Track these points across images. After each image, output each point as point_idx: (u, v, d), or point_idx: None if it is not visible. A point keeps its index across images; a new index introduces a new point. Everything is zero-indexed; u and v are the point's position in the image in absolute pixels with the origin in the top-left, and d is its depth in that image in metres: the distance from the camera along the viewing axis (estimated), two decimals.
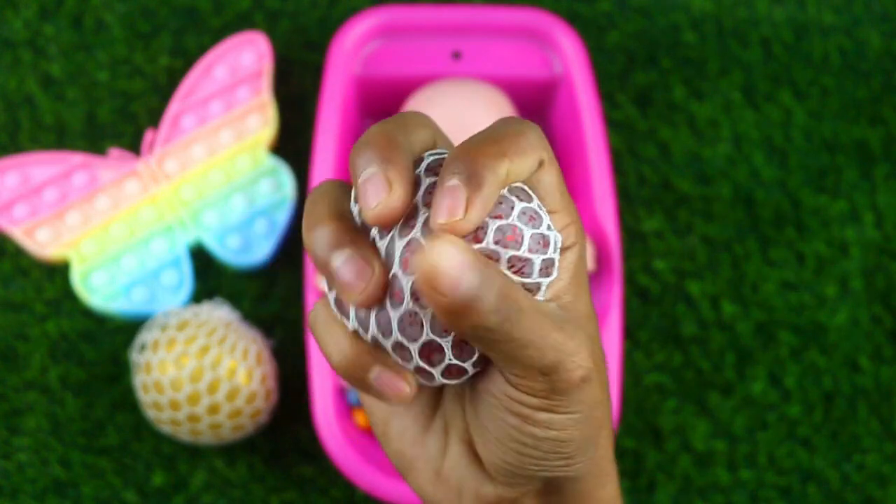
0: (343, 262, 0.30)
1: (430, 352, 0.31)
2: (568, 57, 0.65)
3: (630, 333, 0.66)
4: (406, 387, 0.32)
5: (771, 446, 0.65)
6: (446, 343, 0.31)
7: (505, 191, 0.31)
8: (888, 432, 0.66)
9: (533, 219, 0.31)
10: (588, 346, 0.31)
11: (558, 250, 0.32)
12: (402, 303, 0.30)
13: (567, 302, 0.32)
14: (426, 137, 0.32)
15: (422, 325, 0.31)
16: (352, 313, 0.32)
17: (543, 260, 0.31)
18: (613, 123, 0.70)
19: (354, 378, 0.32)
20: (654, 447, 0.65)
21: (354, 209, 0.32)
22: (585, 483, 0.34)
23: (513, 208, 0.30)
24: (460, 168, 0.29)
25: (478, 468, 0.34)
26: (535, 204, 0.31)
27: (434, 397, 0.35)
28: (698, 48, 0.72)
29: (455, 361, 0.31)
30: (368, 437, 0.62)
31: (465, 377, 0.32)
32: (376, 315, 0.31)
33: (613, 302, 0.61)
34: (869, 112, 0.71)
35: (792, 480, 0.65)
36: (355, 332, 0.32)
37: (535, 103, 0.67)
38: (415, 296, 0.30)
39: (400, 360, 0.31)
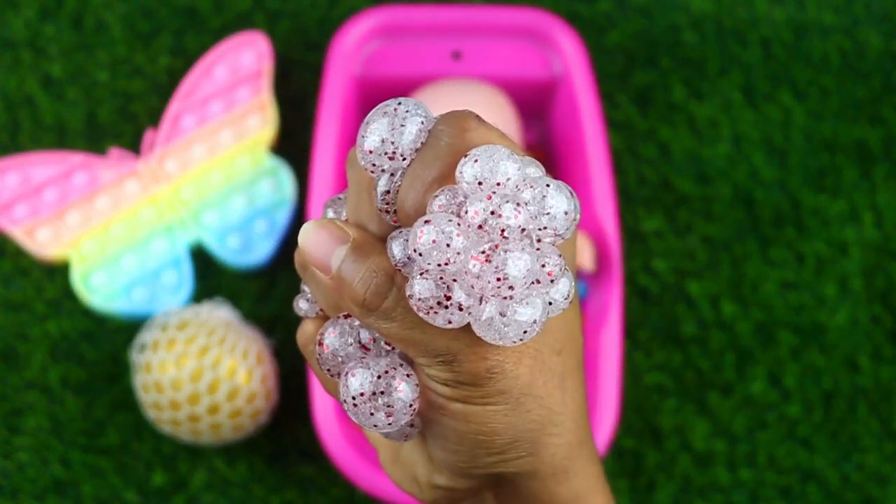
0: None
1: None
2: (568, 57, 0.65)
3: (630, 333, 0.66)
4: None
5: (771, 446, 0.65)
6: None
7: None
8: (888, 432, 0.66)
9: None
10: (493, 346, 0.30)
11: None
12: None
13: None
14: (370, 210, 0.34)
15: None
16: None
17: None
18: (613, 123, 0.70)
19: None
20: (654, 447, 0.65)
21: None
22: (538, 480, 0.33)
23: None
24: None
25: (428, 459, 0.34)
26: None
27: None
28: (698, 48, 0.72)
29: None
30: None
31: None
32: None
33: (613, 302, 0.61)
34: (869, 112, 0.71)
35: (791, 480, 0.65)
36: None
37: (535, 103, 0.67)
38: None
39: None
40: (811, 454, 0.65)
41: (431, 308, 0.28)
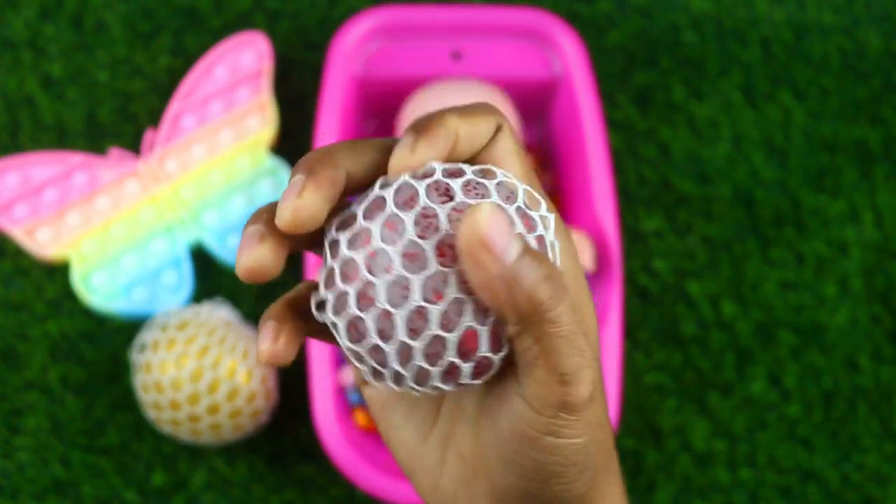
0: None
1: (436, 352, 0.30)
2: (568, 57, 0.65)
3: (630, 333, 0.66)
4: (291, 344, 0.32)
5: (771, 446, 0.66)
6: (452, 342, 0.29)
7: (485, 180, 0.30)
8: (888, 432, 0.66)
9: (510, 197, 0.30)
10: (596, 365, 0.31)
11: (549, 230, 0.31)
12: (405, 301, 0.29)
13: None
14: (371, 159, 0.32)
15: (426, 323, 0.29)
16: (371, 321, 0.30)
17: (536, 238, 0.30)
18: (613, 123, 0.70)
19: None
20: (654, 447, 0.65)
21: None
22: (586, 498, 0.33)
23: (488, 189, 0.30)
24: (411, 128, 0.31)
25: (475, 486, 0.34)
26: (516, 186, 0.30)
27: (431, 410, 0.35)
28: (698, 48, 0.72)
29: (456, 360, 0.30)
30: (368, 437, 0.62)
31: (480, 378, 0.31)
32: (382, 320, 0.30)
33: (613, 302, 0.61)
34: (869, 112, 0.71)
35: (791, 480, 0.65)
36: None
37: (535, 103, 0.67)
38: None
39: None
40: (811, 454, 0.65)
41: None
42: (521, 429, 0.31)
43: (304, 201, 0.29)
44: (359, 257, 0.29)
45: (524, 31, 0.66)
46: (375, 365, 0.30)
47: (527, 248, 0.28)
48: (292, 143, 0.68)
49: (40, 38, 0.70)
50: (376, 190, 0.30)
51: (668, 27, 0.72)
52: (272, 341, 0.31)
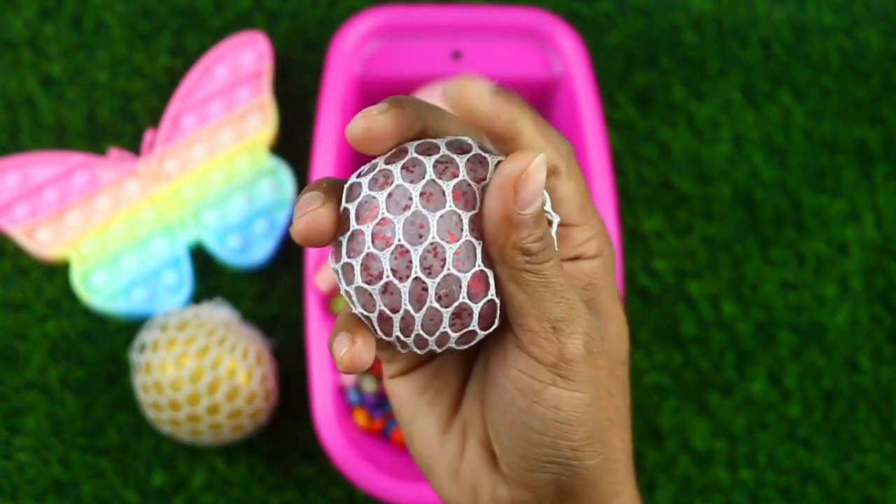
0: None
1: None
2: (568, 57, 0.65)
3: (630, 333, 0.66)
4: (365, 352, 0.33)
5: (771, 446, 0.66)
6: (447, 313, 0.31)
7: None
8: (888, 432, 0.66)
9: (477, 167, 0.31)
10: (593, 327, 0.32)
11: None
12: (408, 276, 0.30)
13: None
14: (449, 127, 0.34)
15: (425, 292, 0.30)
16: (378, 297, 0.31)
17: None
18: (613, 123, 0.70)
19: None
20: (654, 447, 0.65)
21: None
22: (598, 489, 0.34)
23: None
24: (495, 88, 0.32)
25: (493, 469, 0.35)
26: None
27: (454, 401, 0.36)
28: (698, 48, 0.72)
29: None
30: (368, 437, 0.62)
31: (471, 341, 0.32)
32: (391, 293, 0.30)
33: None
34: (869, 112, 0.71)
35: (792, 480, 0.65)
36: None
37: (536, 103, 0.67)
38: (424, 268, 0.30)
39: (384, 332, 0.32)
40: (811, 454, 0.65)
41: None
42: (524, 383, 0.32)
43: (381, 118, 0.31)
44: (379, 196, 0.30)
45: (524, 31, 0.66)
46: (386, 309, 0.31)
47: (541, 210, 0.31)
48: (292, 143, 0.68)
49: (40, 38, 0.70)
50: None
51: (668, 27, 0.72)
52: (349, 344, 0.32)
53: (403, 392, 0.36)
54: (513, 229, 0.30)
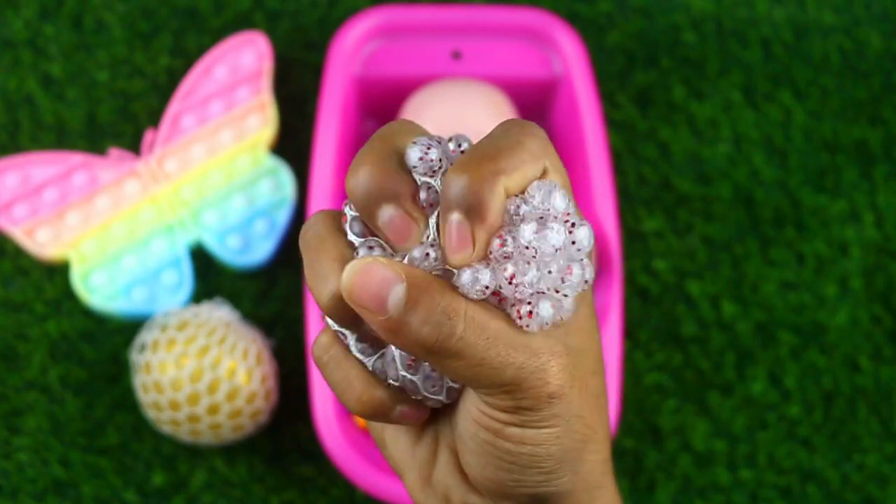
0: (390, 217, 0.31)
1: (433, 383, 0.33)
2: (568, 57, 0.65)
3: (630, 333, 0.66)
4: (425, 414, 0.33)
5: (771, 446, 0.66)
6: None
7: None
8: (888, 432, 0.66)
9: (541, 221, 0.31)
10: (562, 363, 0.31)
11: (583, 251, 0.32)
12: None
13: None
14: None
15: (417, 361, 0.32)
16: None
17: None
18: (613, 123, 0.70)
19: (373, 417, 0.33)
20: (654, 447, 0.65)
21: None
22: (573, 498, 0.33)
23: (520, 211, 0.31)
24: (460, 197, 0.30)
25: (464, 479, 0.34)
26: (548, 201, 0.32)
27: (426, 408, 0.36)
28: (698, 48, 0.72)
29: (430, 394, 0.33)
30: (368, 437, 0.62)
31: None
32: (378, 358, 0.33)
33: (613, 302, 0.61)
34: (869, 112, 0.71)
35: (792, 480, 0.65)
36: (368, 373, 0.33)
37: (535, 103, 0.67)
38: None
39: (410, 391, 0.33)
40: (811, 454, 0.65)
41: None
42: (484, 421, 0.32)
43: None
44: None
45: (524, 31, 0.66)
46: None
47: (410, 294, 0.29)
48: (292, 143, 0.68)
49: (40, 38, 0.70)
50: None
51: (668, 27, 0.72)
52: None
53: None
54: (396, 335, 0.30)
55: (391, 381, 0.33)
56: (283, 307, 0.66)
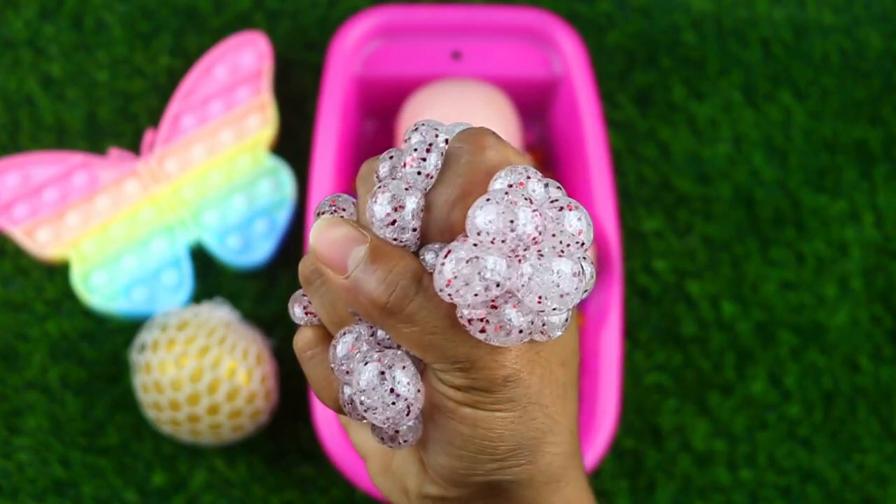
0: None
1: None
2: (568, 57, 0.65)
3: (630, 333, 0.66)
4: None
5: (771, 446, 0.66)
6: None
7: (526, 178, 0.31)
8: (888, 432, 0.66)
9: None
10: (521, 347, 0.31)
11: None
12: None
13: None
14: None
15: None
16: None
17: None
18: (613, 123, 0.70)
19: (348, 416, 0.33)
20: (654, 447, 0.65)
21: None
22: (532, 489, 0.33)
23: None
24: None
25: (422, 467, 0.34)
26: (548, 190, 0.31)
27: None
28: (698, 48, 0.72)
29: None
30: None
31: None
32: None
33: (613, 302, 0.61)
34: (869, 112, 0.71)
35: (792, 480, 0.65)
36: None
37: (535, 103, 0.67)
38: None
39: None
40: (811, 454, 0.65)
41: (480, 321, 0.29)
42: (439, 399, 0.31)
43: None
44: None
45: (524, 31, 0.66)
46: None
47: (370, 254, 0.30)
48: (292, 143, 0.68)
49: (40, 38, 0.70)
50: None
51: (668, 27, 0.72)
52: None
53: None
54: (353, 295, 0.30)
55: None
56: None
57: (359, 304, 0.30)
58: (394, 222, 0.30)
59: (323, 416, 0.59)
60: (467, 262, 0.28)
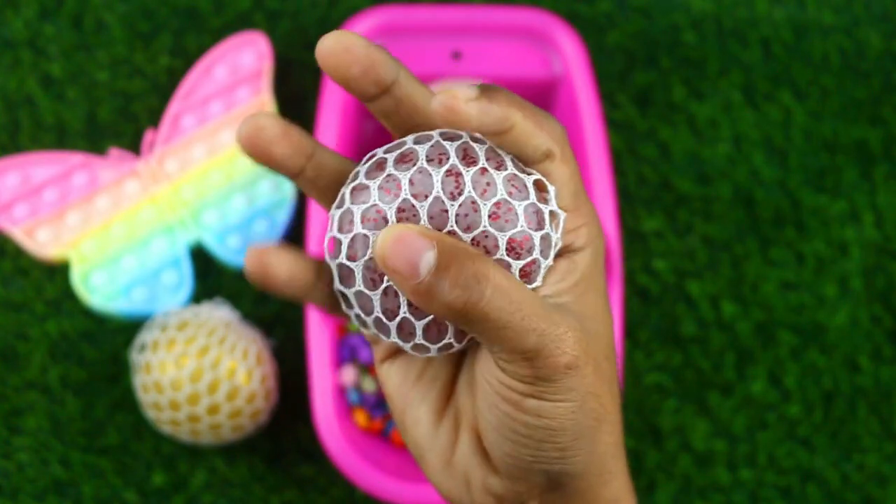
0: None
1: (406, 329, 0.32)
2: (568, 57, 0.65)
3: (630, 333, 0.66)
4: (331, 309, 0.35)
5: (771, 446, 0.66)
6: (419, 321, 0.32)
7: (496, 174, 0.31)
8: (888, 432, 0.66)
9: (521, 190, 0.31)
10: (578, 336, 0.32)
11: (552, 226, 0.32)
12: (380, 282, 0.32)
13: (566, 301, 0.33)
14: None
15: (398, 301, 0.32)
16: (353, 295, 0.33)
17: (542, 238, 0.32)
18: (613, 123, 0.70)
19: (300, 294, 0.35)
20: (654, 447, 0.65)
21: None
22: (586, 480, 0.34)
23: (498, 184, 0.31)
24: (481, 87, 0.31)
25: (485, 460, 0.35)
26: (525, 178, 0.32)
27: (447, 389, 0.36)
28: (698, 48, 0.72)
29: (422, 342, 0.32)
30: (368, 437, 0.62)
31: (451, 350, 0.33)
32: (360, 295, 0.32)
33: (613, 302, 0.61)
34: (869, 112, 0.71)
35: (792, 480, 0.65)
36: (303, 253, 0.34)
37: (536, 103, 0.67)
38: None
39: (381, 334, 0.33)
40: (811, 454, 0.65)
41: None
42: (504, 392, 0.32)
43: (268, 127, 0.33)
44: (356, 210, 0.32)
45: (524, 31, 0.66)
46: (361, 313, 0.33)
47: (440, 258, 0.30)
48: None
49: (40, 38, 0.70)
50: (406, 144, 0.33)
51: (668, 27, 0.72)
52: (268, 252, 0.33)
53: (396, 378, 0.36)
54: (426, 299, 0.30)
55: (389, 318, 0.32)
56: (283, 307, 0.66)
57: (432, 307, 0.31)
58: None
59: (323, 416, 0.59)
60: None
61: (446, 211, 0.31)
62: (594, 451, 0.33)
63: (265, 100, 0.67)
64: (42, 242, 0.65)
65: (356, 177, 0.32)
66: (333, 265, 0.33)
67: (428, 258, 0.30)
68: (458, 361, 0.36)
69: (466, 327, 0.31)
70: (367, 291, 0.32)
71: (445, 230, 0.31)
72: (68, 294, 0.66)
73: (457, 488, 0.35)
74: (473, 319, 0.31)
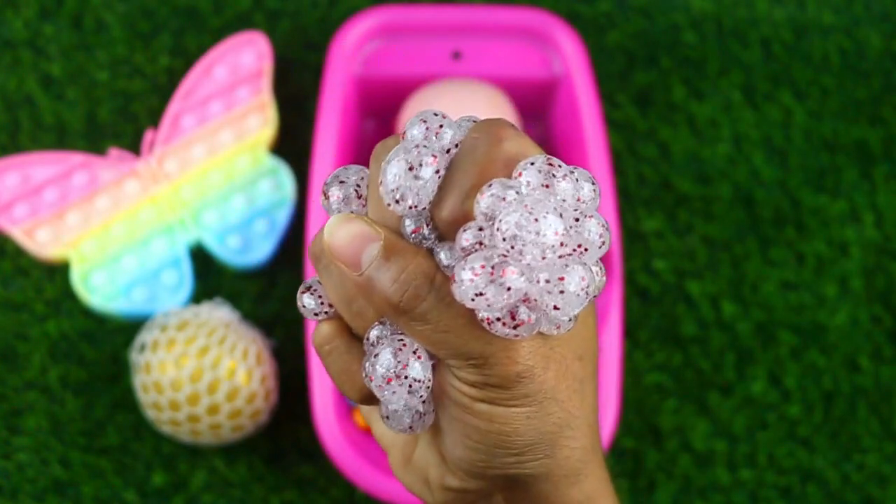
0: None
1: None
2: (568, 57, 0.65)
3: (630, 333, 0.66)
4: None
5: (771, 446, 0.66)
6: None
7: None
8: (888, 432, 0.66)
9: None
10: (533, 343, 0.31)
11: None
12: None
13: None
14: None
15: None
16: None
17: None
18: (613, 123, 0.70)
19: (372, 403, 0.33)
20: (654, 447, 0.65)
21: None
22: (551, 482, 0.33)
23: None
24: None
25: (441, 459, 0.34)
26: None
27: None
28: (698, 48, 0.72)
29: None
30: (368, 437, 0.62)
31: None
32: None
33: (613, 302, 0.61)
34: (869, 112, 0.71)
35: (792, 480, 0.65)
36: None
37: (535, 103, 0.67)
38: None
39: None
40: (811, 454, 0.65)
41: (499, 321, 0.29)
42: (455, 395, 0.32)
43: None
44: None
45: (524, 31, 0.66)
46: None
47: (384, 252, 0.30)
48: (292, 143, 0.68)
49: (40, 38, 0.70)
50: None
51: (668, 27, 0.72)
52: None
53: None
54: (366, 292, 0.30)
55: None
56: (283, 307, 0.66)
57: (372, 300, 0.31)
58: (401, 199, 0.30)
59: (323, 416, 0.59)
60: (491, 281, 0.28)
61: None
62: (555, 455, 0.32)
63: (265, 100, 0.67)
64: (42, 242, 0.65)
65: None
66: None
67: (372, 248, 0.30)
68: None
69: (407, 328, 0.31)
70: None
71: None
72: (68, 294, 0.66)
73: (418, 485, 0.35)
74: (414, 318, 0.30)
